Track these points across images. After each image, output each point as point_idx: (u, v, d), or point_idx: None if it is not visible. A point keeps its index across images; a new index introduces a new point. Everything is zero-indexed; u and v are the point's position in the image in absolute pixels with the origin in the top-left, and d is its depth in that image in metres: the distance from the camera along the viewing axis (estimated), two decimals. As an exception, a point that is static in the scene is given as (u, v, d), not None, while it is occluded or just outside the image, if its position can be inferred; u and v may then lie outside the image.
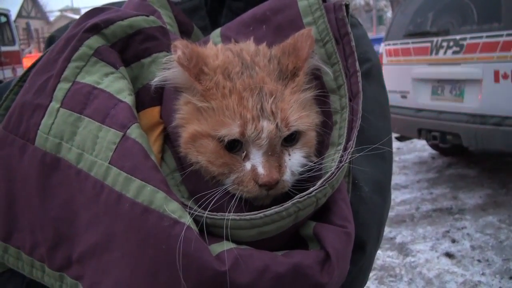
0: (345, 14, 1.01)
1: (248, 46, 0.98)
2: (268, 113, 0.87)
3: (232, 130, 0.85)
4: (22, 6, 39.57)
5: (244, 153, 0.87)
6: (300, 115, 0.90)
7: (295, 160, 0.91)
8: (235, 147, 0.88)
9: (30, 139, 0.89)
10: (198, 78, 0.89)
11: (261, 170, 0.86)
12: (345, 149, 0.90)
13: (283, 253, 0.82)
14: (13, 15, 19.24)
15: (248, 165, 0.87)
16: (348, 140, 0.91)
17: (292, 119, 0.89)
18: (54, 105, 0.89)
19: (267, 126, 0.86)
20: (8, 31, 15.86)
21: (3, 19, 15.59)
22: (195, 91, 0.90)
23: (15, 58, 15.10)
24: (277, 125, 0.87)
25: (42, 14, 44.31)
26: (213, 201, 0.84)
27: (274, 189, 0.87)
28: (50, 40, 1.24)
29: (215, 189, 0.86)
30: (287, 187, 0.89)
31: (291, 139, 0.91)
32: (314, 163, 0.91)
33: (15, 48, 15.75)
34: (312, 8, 1.01)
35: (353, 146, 0.89)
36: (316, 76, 0.99)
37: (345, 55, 1.00)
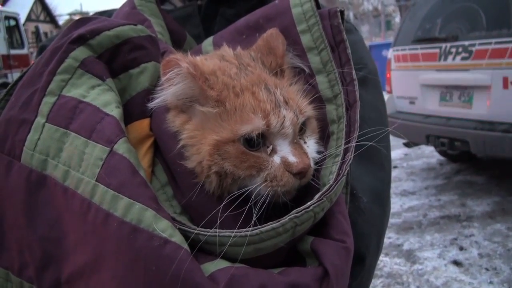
0: (340, 21, 1.00)
1: (227, 51, 0.97)
2: (282, 103, 0.87)
3: (256, 124, 0.84)
4: (31, 10, 39.81)
5: (271, 147, 0.86)
6: (306, 102, 0.92)
7: (312, 146, 0.91)
8: (258, 144, 0.86)
9: (16, 156, 0.86)
10: (208, 85, 0.87)
11: (293, 158, 0.85)
12: (343, 160, 0.88)
13: (280, 271, 0.79)
14: (22, 18, 19.40)
15: (277, 159, 0.86)
16: (346, 151, 0.89)
17: (303, 106, 0.90)
18: (40, 120, 0.86)
19: (288, 114, 0.86)
20: (17, 34, 16.02)
21: (13, 23, 15.75)
22: (207, 99, 0.87)
23: (24, 61, 15.21)
24: (295, 111, 0.87)
25: (51, 18, 44.51)
26: (205, 216, 0.81)
27: (305, 176, 0.86)
28: (41, 51, 1.21)
29: (213, 202, 0.84)
30: (311, 174, 0.88)
31: (300, 128, 0.91)
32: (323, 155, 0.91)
33: (24, 51, 15.88)
34: (306, 15, 1.00)
35: (352, 158, 0.87)
36: (311, 84, 0.98)
37: (341, 63, 0.98)
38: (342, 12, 1.01)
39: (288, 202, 0.86)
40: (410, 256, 4.81)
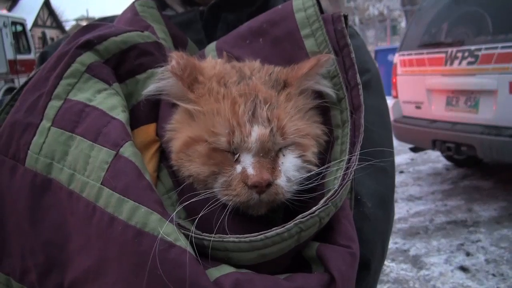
0: (344, 25, 0.99)
1: (253, 64, 0.97)
2: (263, 119, 0.85)
3: (219, 140, 0.84)
4: (38, 15, 39.95)
5: (237, 155, 0.85)
6: (298, 126, 0.88)
7: (289, 163, 0.88)
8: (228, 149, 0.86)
9: (20, 160, 0.86)
10: (191, 87, 0.88)
11: (251, 170, 0.83)
12: (348, 165, 0.87)
13: (285, 277, 0.79)
14: (29, 24, 19.49)
15: (238, 168, 0.85)
16: (350, 155, 0.88)
17: (289, 130, 0.87)
18: (45, 123, 0.86)
19: (258, 130, 0.84)
20: (24, 39, 16.11)
21: (19, 28, 15.84)
22: (188, 100, 0.88)
23: (31, 66, 15.26)
24: (271, 130, 0.85)
25: (57, 24, 44.68)
26: (210, 221, 0.81)
27: (266, 193, 0.83)
28: (43, 56, 1.23)
29: (212, 206, 0.83)
30: (282, 194, 0.85)
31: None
32: (313, 174, 0.88)
33: (31, 56, 15.95)
34: (310, 20, 0.99)
35: (356, 162, 0.86)
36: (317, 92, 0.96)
37: (345, 67, 0.98)
38: (346, 17, 1.01)
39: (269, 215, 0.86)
40: (416, 262, 4.79)
